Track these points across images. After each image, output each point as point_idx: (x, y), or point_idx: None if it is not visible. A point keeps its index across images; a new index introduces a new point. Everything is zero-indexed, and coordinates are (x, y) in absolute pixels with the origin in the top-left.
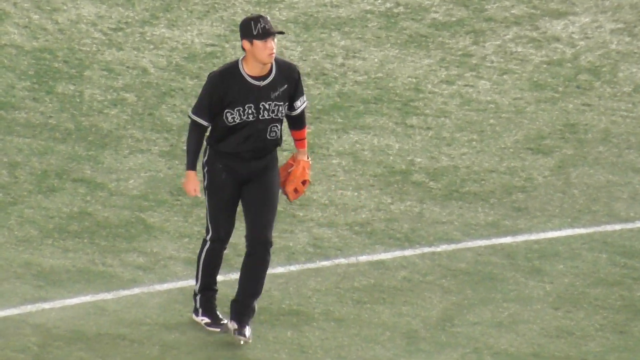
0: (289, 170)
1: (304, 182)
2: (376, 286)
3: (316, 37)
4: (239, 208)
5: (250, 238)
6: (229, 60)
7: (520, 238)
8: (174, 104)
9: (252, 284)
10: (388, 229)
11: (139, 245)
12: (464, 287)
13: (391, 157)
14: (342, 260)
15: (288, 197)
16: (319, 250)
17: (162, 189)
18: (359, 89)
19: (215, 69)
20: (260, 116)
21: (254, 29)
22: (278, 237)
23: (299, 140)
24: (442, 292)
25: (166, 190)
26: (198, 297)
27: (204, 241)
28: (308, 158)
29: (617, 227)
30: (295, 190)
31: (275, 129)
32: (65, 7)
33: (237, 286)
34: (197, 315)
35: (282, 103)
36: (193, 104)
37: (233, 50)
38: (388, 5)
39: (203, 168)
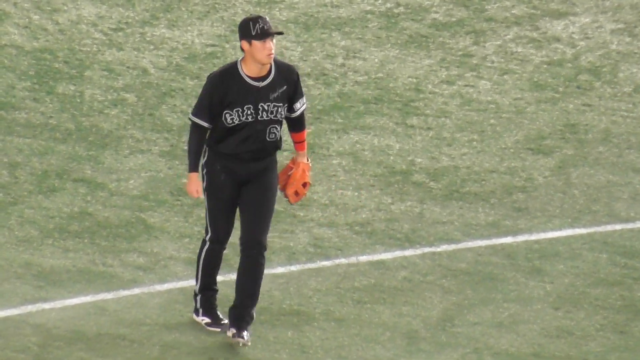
0: (289, 173)
1: (304, 185)
2: (376, 286)
3: (316, 38)
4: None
5: (244, 241)
6: (229, 60)
7: (520, 238)
8: (174, 104)
9: (248, 289)
10: (388, 229)
11: (139, 246)
12: (464, 287)
13: (391, 157)
14: (343, 260)
15: (289, 200)
16: (320, 250)
17: (163, 189)
18: (360, 89)
19: (215, 69)
20: (259, 117)
21: (252, 29)
22: (278, 237)
23: (298, 143)
24: (443, 292)
25: (166, 191)
26: (198, 297)
27: (204, 242)
28: (308, 160)
29: (618, 227)
30: (296, 193)
31: (275, 131)
32: (65, 8)
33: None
34: (197, 315)
35: (281, 104)
36: (193, 105)
37: (233, 50)
38: (388, 5)
39: (202, 169)
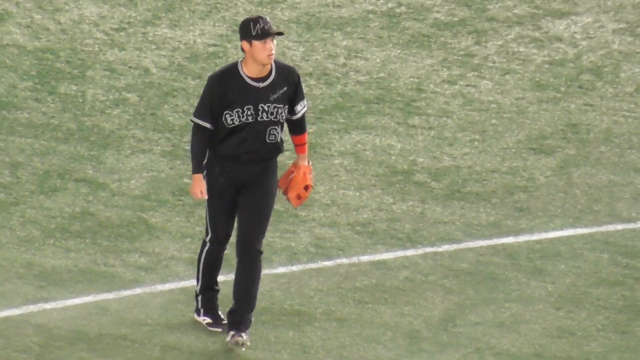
0: (290, 177)
1: (306, 188)
2: (378, 286)
3: (318, 37)
4: None
5: (240, 247)
6: (231, 60)
7: (522, 238)
8: (176, 104)
9: (245, 295)
10: (390, 229)
11: (141, 246)
12: (465, 287)
13: (393, 157)
14: (344, 260)
15: (291, 204)
16: (321, 250)
17: (164, 189)
18: (361, 89)
19: (217, 69)
20: (259, 118)
21: (252, 29)
22: (280, 237)
23: (299, 146)
24: (444, 292)
25: (168, 191)
26: (199, 298)
27: (204, 243)
28: (309, 163)
29: (619, 227)
30: (298, 197)
31: (274, 132)
32: (67, 7)
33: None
34: (199, 315)
35: (281, 105)
36: (195, 107)
37: (235, 50)
38: (390, 5)
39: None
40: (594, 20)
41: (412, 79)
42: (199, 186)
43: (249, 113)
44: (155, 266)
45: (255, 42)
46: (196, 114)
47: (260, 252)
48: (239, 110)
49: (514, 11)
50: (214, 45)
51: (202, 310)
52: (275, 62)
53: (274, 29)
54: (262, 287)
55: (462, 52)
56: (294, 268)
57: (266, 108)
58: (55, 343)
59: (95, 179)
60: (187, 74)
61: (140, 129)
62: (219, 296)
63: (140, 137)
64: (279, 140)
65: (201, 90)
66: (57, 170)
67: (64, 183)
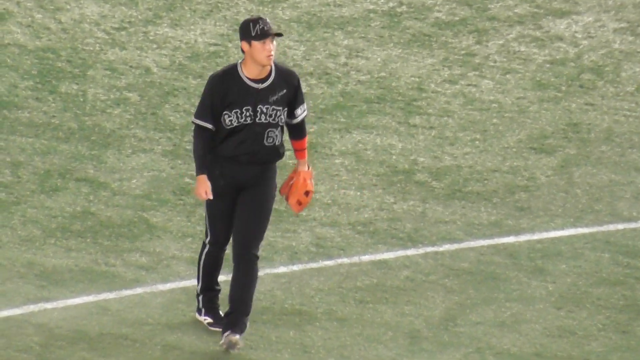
0: (290, 183)
1: (306, 193)
2: (379, 286)
3: (319, 37)
4: None
5: (236, 251)
6: (232, 59)
7: (522, 238)
8: (177, 104)
9: (240, 298)
10: (391, 228)
11: (142, 245)
12: (466, 287)
13: (394, 157)
14: (345, 260)
15: (292, 210)
16: (322, 250)
17: (165, 188)
18: (362, 89)
19: (218, 68)
20: (257, 119)
21: (252, 30)
22: (281, 236)
23: (299, 151)
24: (445, 292)
25: (169, 190)
26: (200, 297)
27: (204, 244)
28: (309, 168)
29: (620, 226)
30: (299, 202)
31: (273, 135)
32: (68, 7)
33: None
34: (200, 314)
35: (280, 108)
36: (195, 108)
37: (236, 49)
38: (391, 4)
39: None
40: (595, 20)
41: (413, 79)
42: (204, 187)
43: (248, 114)
44: (156, 266)
45: (255, 43)
46: (197, 115)
47: (257, 257)
48: (237, 111)
49: (515, 10)
50: (215, 44)
51: (203, 310)
52: (276, 64)
53: (274, 29)
54: (263, 287)
55: (463, 52)
56: (295, 267)
57: (265, 110)
58: (56, 343)
59: (96, 178)
60: (188, 74)
61: (141, 128)
62: (220, 296)
63: (141, 136)
64: (277, 144)
65: (202, 90)
66: (58, 170)
67: (65, 182)
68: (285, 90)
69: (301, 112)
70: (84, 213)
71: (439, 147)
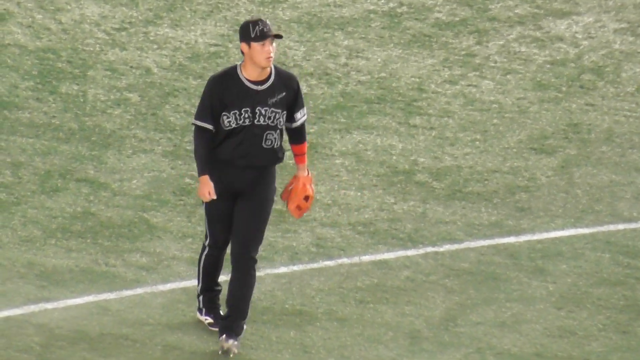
0: (290, 189)
1: (306, 198)
2: (379, 286)
3: (319, 37)
4: None
5: (235, 255)
6: (232, 60)
7: (523, 238)
8: (177, 104)
9: (237, 302)
10: (391, 228)
11: (142, 245)
12: (467, 287)
13: (394, 157)
14: (345, 260)
15: (293, 215)
16: (322, 250)
17: (165, 189)
18: (362, 89)
19: (218, 69)
20: (256, 121)
21: (251, 31)
22: (281, 237)
23: (298, 156)
24: (445, 292)
25: (169, 190)
26: (201, 298)
27: (204, 246)
28: (308, 173)
29: (620, 226)
30: (298, 208)
31: (271, 137)
32: (68, 7)
33: None
34: (200, 314)
35: (279, 110)
36: (195, 109)
37: (236, 50)
38: (391, 5)
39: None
40: (595, 20)
41: (413, 79)
42: (207, 188)
43: (246, 116)
44: (156, 266)
45: (254, 44)
46: (197, 117)
47: (255, 261)
48: (235, 112)
49: (515, 11)
50: (216, 45)
51: (204, 310)
52: (276, 67)
53: (273, 31)
54: (264, 287)
55: (463, 52)
56: (296, 268)
57: (264, 112)
58: (57, 343)
59: (96, 178)
60: (189, 74)
61: (141, 128)
62: (221, 296)
63: (142, 137)
64: (276, 147)
65: (202, 91)
66: (59, 170)
67: (65, 183)
68: (284, 93)
69: (301, 116)
70: (85, 213)
71: (439, 147)
